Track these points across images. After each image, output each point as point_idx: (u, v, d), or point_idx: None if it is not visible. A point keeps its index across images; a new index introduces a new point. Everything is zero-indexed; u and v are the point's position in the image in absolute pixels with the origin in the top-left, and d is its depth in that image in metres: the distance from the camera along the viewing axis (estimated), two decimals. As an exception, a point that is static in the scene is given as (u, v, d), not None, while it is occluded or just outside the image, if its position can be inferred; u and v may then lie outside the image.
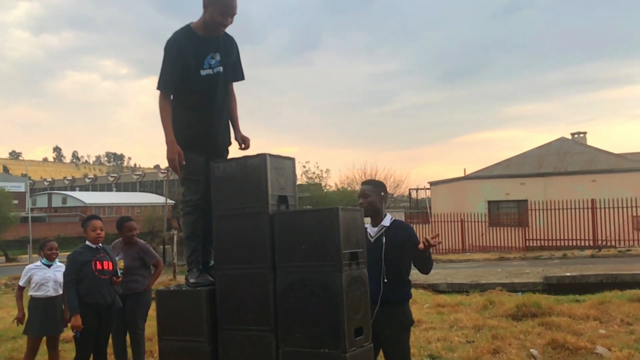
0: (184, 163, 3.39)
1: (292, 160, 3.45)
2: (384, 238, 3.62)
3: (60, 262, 5.41)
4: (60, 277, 5.19)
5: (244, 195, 3.24)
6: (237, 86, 3.77)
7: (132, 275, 5.30)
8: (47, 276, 5.26)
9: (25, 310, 5.40)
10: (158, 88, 3.43)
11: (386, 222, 3.68)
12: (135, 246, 5.45)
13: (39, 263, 5.39)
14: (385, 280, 3.56)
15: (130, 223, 5.43)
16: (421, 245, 3.46)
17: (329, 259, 2.96)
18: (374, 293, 3.48)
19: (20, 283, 5.47)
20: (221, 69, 3.52)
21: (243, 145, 3.72)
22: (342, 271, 2.93)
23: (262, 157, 3.20)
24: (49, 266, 5.32)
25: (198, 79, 3.45)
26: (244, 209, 3.24)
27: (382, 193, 3.75)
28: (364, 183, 3.83)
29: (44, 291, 5.21)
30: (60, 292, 5.22)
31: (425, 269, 3.65)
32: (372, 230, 3.70)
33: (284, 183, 3.31)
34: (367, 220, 3.66)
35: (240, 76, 3.71)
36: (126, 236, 5.35)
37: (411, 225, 3.81)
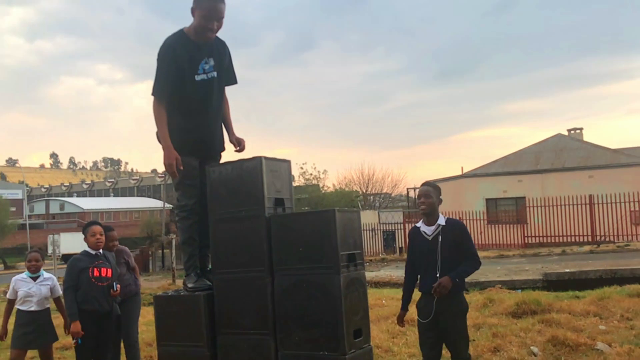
0: (182, 168, 3.38)
1: (287, 162, 3.44)
2: (440, 236, 3.90)
3: (47, 273, 5.31)
4: (45, 291, 5.10)
5: (240, 198, 3.23)
6: (232, 89, 3.77)
7: (124, 281, 5.27)
8: (31, 291, 5.08)
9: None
10: (153, 94, 3.42)
11: (442, 221, 3.96)
12: (119, 253, 5.38)
13: (24, 275, 5.24)
14: (438, 274, 3.83)
15: (112, 233, 5.33)
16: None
17: (326, 261, 2.95)
18: (429, 285, 3.86)
19: (8, 296, 5.32)
20: (215, 74, 3.51)
21: (238, 147, 3.71)
22: (339, 273, 2.92)
23: (257, 160, 3.19)
24: (34, 279, 5.14)
25: (193, 85, 3.44)
26: (240, 212, 3.23)
27: (440, 196, 4.06)
28: (424, 184, 4.13)
29: (28, 306, 5.09)
30: (47, 305, 5.15)
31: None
32: (427, 229, 3.99)
33: (280, 186, 3.30)
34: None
35: (232, 80, 3.71)
36: (108, 246, 5.24)
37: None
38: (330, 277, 2.93)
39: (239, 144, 3.72)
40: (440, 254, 3.88)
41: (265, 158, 3.23)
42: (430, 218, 3.98)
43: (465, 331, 3.99)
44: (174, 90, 3.43)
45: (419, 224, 4.09)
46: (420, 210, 4.05)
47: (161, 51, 3.40)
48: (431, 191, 4.02)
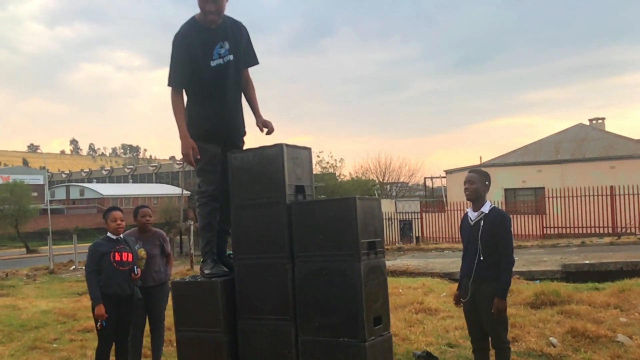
0: (199, 157, 3.38)
1: (308, 150, 3.43)
2: (482, 222, 3.99)
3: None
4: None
5: (261, 185, 3.24)
6: (250, 72, 3.73)
7: (155, 265, 5.33)
8: None
9: None
10: (169, 85, 3.41)
11: (485, 208, 4.04)
12: (155, 234, 5.48)
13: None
14: (481, 258, 3.96)
15: (145, 209, 5.45)
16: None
17: (346, 248, 2.95)
18: (469, 269, 4.04)
19: None
20: (231, 57, 3.47)
21: (266, 130, 3.65)
22: (360, 260, 2.92)
23: (278, 147, 3.19)
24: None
25: (208, 70, 3.41)
26: (261, 199, 3.24)
27: (487, 182, 4.09)
28: (471, 171, 4.17)
29: None
30: None
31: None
32: (472, 215, 4.10)
33: (300, 173, 3.31)
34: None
35: (253, 61, 3.65)
36: (141, 222, 5.37)
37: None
38: (351, 265, 2.93)
39: (266, 127, 3.66)
40: (480, 240, 3.98)
41: (287, 145, 3.22)
42: (476, 204, 4.07)
43: (505, 317, 4.03)
44: (190, 78, 3.42)
45: (468, 209, 4.20)
46: (465, 196, 4.11)
47: (174, 41, 3.38)
48: (476, 177, 4.06)
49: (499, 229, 3.98)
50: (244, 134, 3.73)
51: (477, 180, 4.05)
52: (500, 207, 19.45)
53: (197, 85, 3.45)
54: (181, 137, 3.39)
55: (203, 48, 3.38)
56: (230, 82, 3.52)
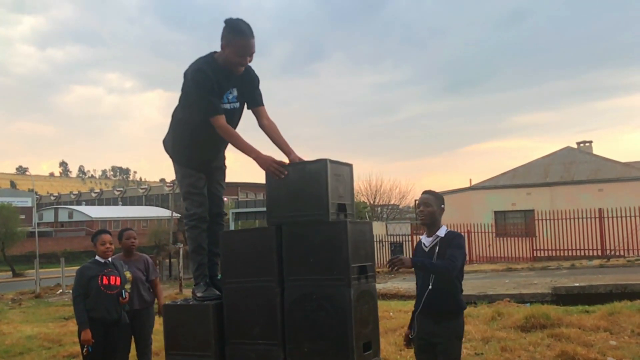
0: (282, 168, 3.23)
1: (350, 166, 3.32)
2: (437, 247, 3.62)
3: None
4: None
5: (301, 202, 3.10)
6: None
7: (141, 290, 5.31)
8: None
9: None
10: (211, 116, 3.32)
11: (441, 232, 3.67)
12: (141, 258, 5.47)
13: None
14: (430, 287, 3.58)
15: (130, 232, 5.47)
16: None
17: (337, 272, 2.94)
18: (419, 302, 3.64)
19: None
20: (237, 104, 3.51)
21: None
22: (350, 285, 2.90)
23: (322, 162, 3.07)
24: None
25: None
26: (302, 217, 3.10)
27: (442, 205, 3.78)
28: (425, 192, 3.80)
29: None
30: None
31: (441, 277, 3.58)
32: (426, 240, 3.73)
33: (342, 190, 3.19)
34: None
35: (257, 102, 3.60)
36: (126, 244, 5.37)
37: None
38: (341, 289, 2.91)
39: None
40: None
41: (330, 161, 3.10)
42: (431, 229, 3.69)
43: (458, 357, 3.64)
44: (201, 114, 3.39)
45: (422, 237, 3.84)
46: (419, 220, 3.78)
47: (196, 75, 3.34)
48: (431, 200, 3.72)
49: (450, 244, 3.58)
50: (225, 167, 3.84)
51: (433, 203, 3.70)
52: (490, 229, 19.38)
53: (203, 121, 3.41)
54: (255, 158, 3.28)
55: (218, 91, 3.39)
56: (232, 127, 3.53)
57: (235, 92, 3.49)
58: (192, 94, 3.37)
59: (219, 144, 3.61)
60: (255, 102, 3.58)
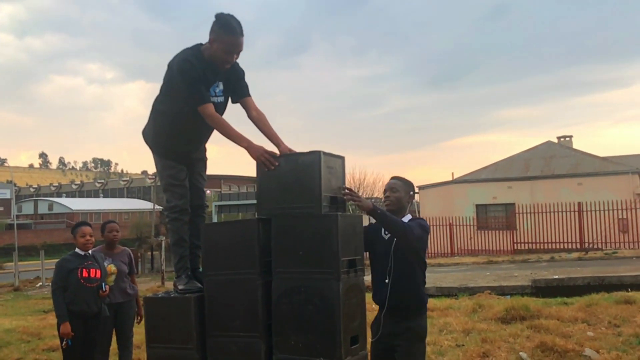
0: (272, 159, 3.19)
1: (342, 158, 3.28)
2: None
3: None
4: None
5: (293, 194, 3.05)
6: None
7: (124, 282, 5.27)
8: None
9: None
10: (199, 104, 3.27)
11: (405, 220, 3.41)
12: (124, 251, 5.43)
13: None
14: (387, 280, 3.31)
15: (112, 224, 5.41)
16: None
17: (326, 266, 2.92)
18: (381, 296, 3.34)
19: None
20: (222, 99, 3.48)
21: None
22: (339, 279, 2.89)
23: (316, 154, 3.02)
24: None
25: None
26: (294, 210, 3.05)
27: (411, 192, 3.57)
28: (393, 178, 3.57)
29: None
30: None
31: (396, 235, 3.29)
32: None
33: (335, 183, 3.15)
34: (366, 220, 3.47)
35: (246, 93, 3.56)
36: (108, 237, 5.31)
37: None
38: (329, 283, 2.89)
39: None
40: (393, 257, 3.33)
41: (324, 153, 3.05)
42: (396, 215, 3.35)
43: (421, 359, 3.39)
44: (187, 101, 3.33)
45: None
46: (384, 205, 3.49)
47: (182, 65, 3.28)
48: (399, 185, 3.49)
49: (417, 229, 3.30)
50: (206, 159, 3.80)
51: (400, 188, 3.47)
52: (472, 223, 19.48)
53: (186, 112, 3.37)
54: (245, 147, 3.24)
55: (204, 84, 3.34)
56: None
57: (221, 86, 3.45)
58: (178, 84, 3.32)
59: (200, 135, 3.58)
60: (242, 93, 3.54)
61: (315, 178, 3.00)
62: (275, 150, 3.31)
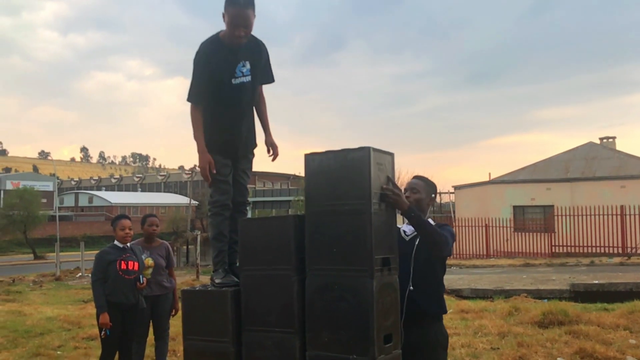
0: (214, 172, 3.39)
1: (391, 155, 3.21)
2: (419, 239, 3.24)
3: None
4: None
5: (342, 191, 3.01)
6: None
7: (161, 276, 5.37)
8: None
9: None
10: (188, 100, 3.41)
11: None
12: (162, 245, 5.54)
13: None
14: (411, 288, 3.20)
15: (153, 218, 5.52)
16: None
17: (360, 263, 2.90)
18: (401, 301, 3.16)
19: None
20: (250, 77, 3.51)
21: (271, 151, 3.69)
22: (373, 277, 2.87)
23: (365, 150, 2.97)
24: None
25: (229, 88, 3.44)
26: (342, 206, 3.00)
27: (433, 195, 3.43)
28: (415, 177, 3.45)
29: None
30: None
31: (429, 243, 3.13)
32: (407, 229, 3.33)
33: (384, 180, 3.12)
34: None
35: (269, 79, 3.66)
36: (148, 231, 5.43)
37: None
38: (363, 281, 2.87)
39: (273, 149, 3.69)
40: (414, 260, 3.22)
41: (373, 149, 2.99)
42: None
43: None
44: (210, 95, 3.44)
45: (404, 225, 3.35)
46: None
47: (196, 58, 3.39)
48: (420, 185, 3.35)
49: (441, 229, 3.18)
50: (255, 146, 3.76)
51: (421, 189, 3.34)
52: (509, 224, 19.04)
53: (215, 101, 3.47)
54: (199, 152, 3.40)
55: (227, 67, 3.41)
56: (247, 101, 3.57)
57: (248, 65, 3.47)
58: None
59: (234, 121, 3.58)
60: (267, 78, 3.63)
61: (364, 175, 2.94)
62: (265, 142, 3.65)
